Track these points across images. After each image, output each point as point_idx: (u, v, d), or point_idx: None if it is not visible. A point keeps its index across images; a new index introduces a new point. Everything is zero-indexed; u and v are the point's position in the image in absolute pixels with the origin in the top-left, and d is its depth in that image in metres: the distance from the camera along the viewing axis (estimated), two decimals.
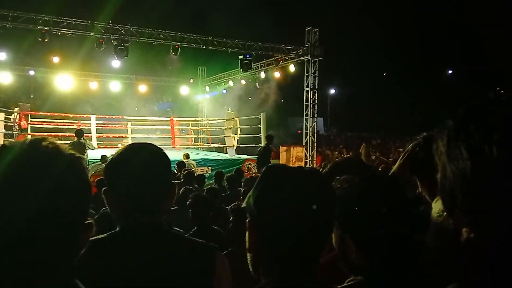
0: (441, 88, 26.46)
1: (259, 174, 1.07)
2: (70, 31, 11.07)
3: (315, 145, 13.41)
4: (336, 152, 15.93)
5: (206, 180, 7.71)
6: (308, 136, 13.31)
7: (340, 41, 20.88)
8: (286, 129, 24.38)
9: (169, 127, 15.51)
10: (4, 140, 13.62)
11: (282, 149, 13.64)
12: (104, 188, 1.32)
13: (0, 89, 21.50)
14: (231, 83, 17.22)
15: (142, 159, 1.34)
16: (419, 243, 1.23)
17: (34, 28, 10.80)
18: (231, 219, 3.32)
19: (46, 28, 10.66)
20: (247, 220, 1.03)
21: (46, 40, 10.75)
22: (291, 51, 13.19)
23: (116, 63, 14.45)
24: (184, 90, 19.68)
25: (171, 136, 15.55)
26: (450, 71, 30.64)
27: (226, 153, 14.19)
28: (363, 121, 25.44)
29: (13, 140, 12.88)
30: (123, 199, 1.29)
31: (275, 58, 13.55)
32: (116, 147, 14.26)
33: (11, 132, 13.47)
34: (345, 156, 12.09)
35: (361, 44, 25.82)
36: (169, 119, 16.19)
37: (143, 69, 19.28)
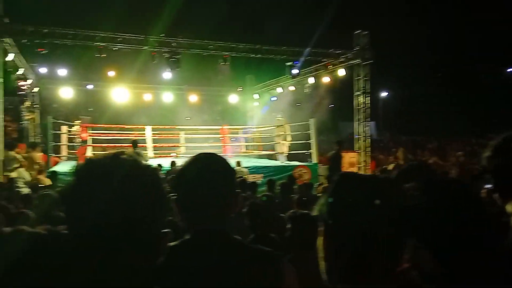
0: (495, 89, 25.06)
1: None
2: (125, 46, 11.57)
3: (368, 150, 13.08)
4: (391, 157, 15.44)
5: (258, 187, 7.77)
6: (360, 141, 13.02)
7: (390, 42, 20.36)
8: (337, 134, 23.94)
9: (220, 136, 15.79)
10: (67, 152, 14.44)
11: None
12: (174, 198, 1.36)
13: (62, 103, 22.89)
14: (279, 89, 17.24)
15: (205, 170, 1.39)
16: (497, 251, 1.16)
17: (92, 44, 11.41)
18: (288, 226, 3.33)
19: (103, 44, 11.22)
20: (322, 229, 1.03)
21: (104, 55, 11.31)
22: (340, 55, 13.01)
23: (167, 74, 14.93)
24: (233, 98, 19.95)
25: (222, 144, 15.79)
26: (505, 71, 28.94)
27: (277, 160, 14.18)
28: (417, 124, 24.52)
29: (75, 151, 13.59)
30: (188, 209, 1.34)
31: (324, 63, 13.40)
32: (170, 156, 14.72)
33: (73, 144, 14.21)
34: (411, 162, 11.72)
35: (413, 45, 25.03)
36: (220, 127, 16.47)
37: (194, 79, 19.77)
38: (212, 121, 22.47)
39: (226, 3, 19.52)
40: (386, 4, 21.68)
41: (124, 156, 0.91)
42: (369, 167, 12.94)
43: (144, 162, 0.94)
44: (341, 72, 13.16)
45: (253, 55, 12.62)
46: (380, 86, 26.37)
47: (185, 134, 15.86)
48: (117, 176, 0.84)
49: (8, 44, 10.85)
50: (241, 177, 7.85)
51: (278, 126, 13.87)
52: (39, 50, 10.86)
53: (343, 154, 13.40)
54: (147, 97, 19.00)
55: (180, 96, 19.64)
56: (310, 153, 13.23)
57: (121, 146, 15.09)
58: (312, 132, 12.87)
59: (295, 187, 7.72)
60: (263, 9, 21.68)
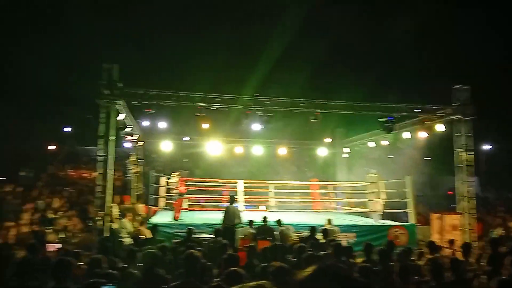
0: None
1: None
2: (222, 106, 12.21)
3: (472, 212, 11.84)
4: (498, 218, 13.93)
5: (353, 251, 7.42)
6: (463, 202, 11.89)
7: (493, 94, 19.01)
8: (434, 190, 22.38)
9: (310, 190, 15.63)
10: (166, 202, 15.20)
11: (434, 216, 12.52)
12: None
13: (161, 155, 24.52)
14: (372, 144, 16.77)
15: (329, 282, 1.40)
16: None
17: (192, 104, 12.23)
18: None
19: (202, 104, 11.97)
20: None
21: (203, 114, 12.03)
22: (437, 111, 12.41)
23: (257, 126, 15.27)
24: (322, 151, 19.83)
25: (312, 199, 15.61)
26: None
27: (370, 218, 13.58)
28: None
29: (172, 202, 14.20)
30: None
31: (421, 118, 12.84)
32: (258, 210, 14.87)
33: (170, 195, 14.95)
34: None
35: None
36: (310, 182, 16.35)
37: (284, 132, 20.09)
38: (300, 174, 22.44)
39: (319, 61, 19.94)
40: (487, 57, 20.45)
41: None
42: (474, 230, 11.73)
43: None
44: (440, 128, 12.45)
45: (345, 112, 12.52)
46: (483, 138, 24.46)
47: (275, 188, 15.97)
48: None
49: (120, 105, 12.06)
50: (337, 240, 7.60)
51: (371, 182, 13.36)
52: (146, 110, 11.88)
53: (444, 216, 12.44)
54: (238, 150, 19.64)
55: (269, 149, 20.02)
56: (407, 212, 12.47)
57: (214, 198, 15.66)
58: (409, 190, 12.17)
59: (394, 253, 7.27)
60: (355, 64, 21.74)
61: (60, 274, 4.09)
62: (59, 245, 9.46)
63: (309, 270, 1.48)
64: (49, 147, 28.09)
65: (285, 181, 16.99)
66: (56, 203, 15.88)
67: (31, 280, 4.46)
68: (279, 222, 10.73)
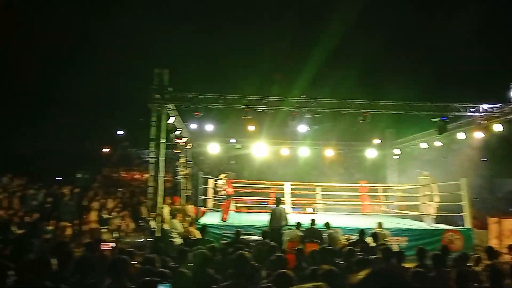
0: None
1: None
2: (268, 108, 12.25)
3: None
4: None
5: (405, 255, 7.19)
6: None
7: None
8: (491, 193, 21.24)
9: (359, 193, 15.32)
10: (214, 203, 15.46)
11: (492, 220, 11.88)
12: None
13: (208, 157, 24.98)
14: (424, 145, 16.16)
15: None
16: None
17: (239, 107, 12.35)
18: None
19: (249, 106, 12.07)
20: None
21: (250, 117, 12.12)
22: (494, 110, 11.78)
23: (303, 128, 15.15)
24: (371, 153, 19.36)
25: (360, 202, 15.29)
26: None
27: (422, 221, 13.09)
28: None
29: (220, 203, 14.43)
30: None
31: (476, 117, 12.24)
32: (304, 213, 14.74)
33: (218, 196, 15.20)
34: None
35: None
36: (358, 184, 16.02)
37: (330, 134, 19.81)
38: (348, 176, 22.06)
39: (368, 60, 19.52)
40: None
41: None
42: None
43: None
44: (497, 128, 11.80)
45: (395, 112, 12.17)
46: None
47: (322, 190, 15.78)
48: None
49: (170, 109, 12.41)
50: (387, 245, 7.40)
51: (424, 185, 12.89)
52: (195, 114, 12.15)
53: (503, 220, 11.77)
54: (284, 151, 19.58)
55: (316, 150, 19.80)
56: (462, 216, 11.92)
57: (261, 200, 15.73)
58: (464, 192, 11.63)
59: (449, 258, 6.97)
60: (406, 62, 21.08)
61: (117, 272, 4.26)
62: (113, 244, 9.85)
63: (362, 274, 1.46)
64: (104, 150, 29.36)
65: (332, 183, 16.73)
66: (110, 203, 16.57)
67: (89, 277, 4.67)
68: (327, 224, 10.59)
